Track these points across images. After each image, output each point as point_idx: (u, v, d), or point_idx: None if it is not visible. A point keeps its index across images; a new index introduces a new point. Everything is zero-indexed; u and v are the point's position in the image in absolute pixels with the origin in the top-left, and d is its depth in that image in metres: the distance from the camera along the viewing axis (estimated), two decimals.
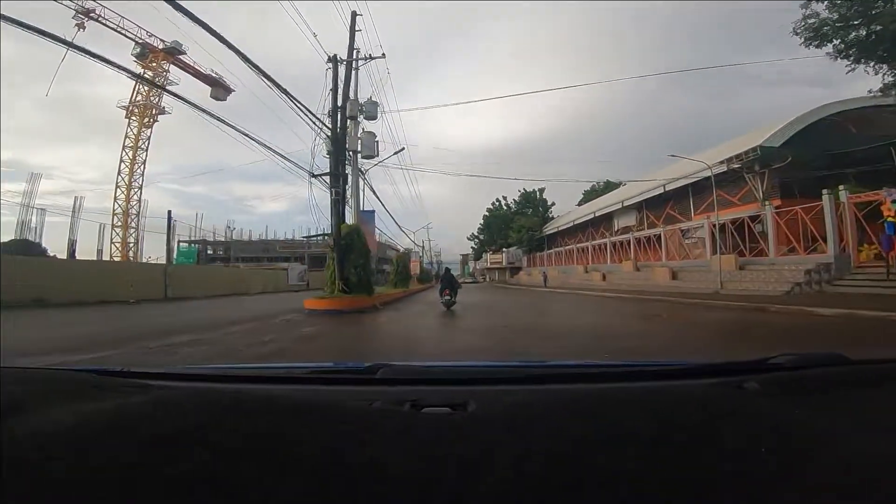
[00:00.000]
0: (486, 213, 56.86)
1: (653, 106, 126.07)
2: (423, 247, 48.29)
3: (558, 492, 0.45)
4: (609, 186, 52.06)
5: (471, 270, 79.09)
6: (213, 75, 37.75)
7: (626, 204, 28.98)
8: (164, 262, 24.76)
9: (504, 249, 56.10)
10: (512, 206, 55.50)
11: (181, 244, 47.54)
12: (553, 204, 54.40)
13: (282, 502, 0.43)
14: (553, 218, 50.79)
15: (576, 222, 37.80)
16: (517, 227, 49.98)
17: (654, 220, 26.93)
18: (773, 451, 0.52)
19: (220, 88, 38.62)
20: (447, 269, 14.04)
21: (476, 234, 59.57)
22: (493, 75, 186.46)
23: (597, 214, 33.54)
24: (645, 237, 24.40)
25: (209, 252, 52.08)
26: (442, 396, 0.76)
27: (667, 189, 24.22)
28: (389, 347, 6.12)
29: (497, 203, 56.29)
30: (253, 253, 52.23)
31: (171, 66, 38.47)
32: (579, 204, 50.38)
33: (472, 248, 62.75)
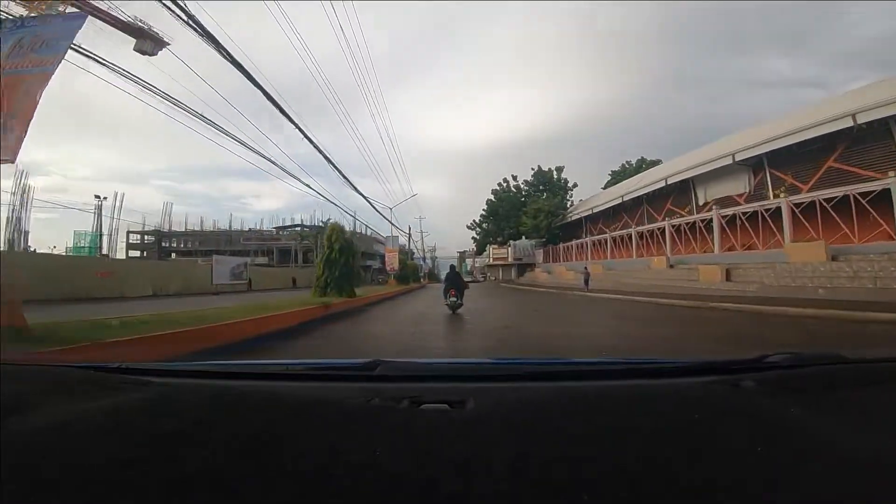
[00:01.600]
0: (492, 198, 45.72)
1: (657, 104, 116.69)
2: (409, 234, 36.77)
3: (556, 489, 0.45)
4: (645, 164, 41.72)
5: (469, 268, 68.28)
6: (137, 23, 26.78)
7: (738, 158, 18.05)
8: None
9: (511, 242, 45.19)
10: (523, 187, 44.50)
11: (130, 234, 44.39)
12: (575, 185, 43.46)
13: (281, 499, 0.43)
14: (573, 204, 39.86)
15: (626, 198, 26.88)
16: (532, 210, 38.90)
17: (796, 181, 16.06)
18: (770, 449, 0.52)
19: (146, 41, 27.38)
20: (452, 268, 10.69)
21: (478, 222, 48.10)
22: (493, 71, 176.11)
23: (669, 182, 22.62)
24: (823, 200, 13.25)
25: (164, 244, 47.92)
26: (440, 393, 0.74)
27: (858, 121, 13.22)
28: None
29: (504, 184, 45.19)
30: (213, 245, 46.60)
31: (70, 6, 26.90)
32: (606, 187, 40.19)
33: (473, 238, 51.14)
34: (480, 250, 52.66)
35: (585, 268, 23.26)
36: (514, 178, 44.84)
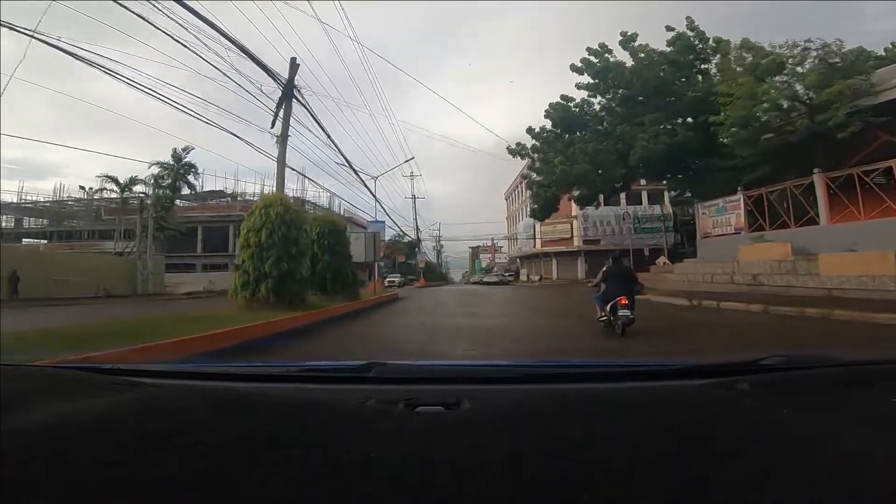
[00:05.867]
0: (574, 86, 18.60)
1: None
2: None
3: (550, 491, 0.45)
4: None
5: (484, 265, 41.86)
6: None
7: None
8: None
9: (588, 208, 18.44)
10: (649, 68, 17.66)
11: None
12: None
13: (274, 502, 0.43)
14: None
15: None
16: (777, 61, 11.46)
17: None
18: (764, 450, 0.53)
19: None
20: (618, 259, 6.01)
21: (544, 134, 19.05)
22: (497, 71, 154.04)
23: None
24: None
25: (26, 225, 33.85)
26: (436, 395, 0.74)
27: None
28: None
29: (605, 53, 18.24)
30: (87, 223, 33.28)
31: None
32: None
33: (528, 172, 20.98)
34: (548, 208, 19.98)
35: None
36: (631, 38, 18.05)
